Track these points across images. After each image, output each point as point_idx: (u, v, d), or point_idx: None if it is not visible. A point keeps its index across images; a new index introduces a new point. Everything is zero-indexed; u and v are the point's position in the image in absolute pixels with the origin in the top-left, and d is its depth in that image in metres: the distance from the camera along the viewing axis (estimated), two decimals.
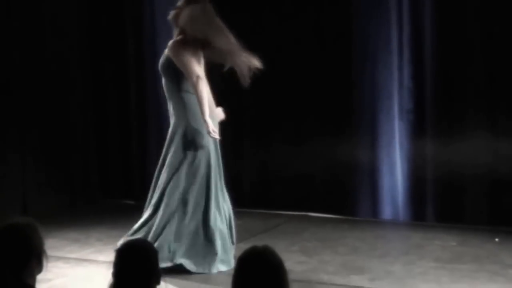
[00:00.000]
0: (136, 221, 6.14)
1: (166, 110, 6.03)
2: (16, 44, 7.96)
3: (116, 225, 7.45)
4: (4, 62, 7.89)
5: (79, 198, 8.51)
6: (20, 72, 7.99)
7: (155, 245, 5.57)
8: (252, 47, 7.90)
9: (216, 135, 5.79)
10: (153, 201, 5.99)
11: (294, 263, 6.19)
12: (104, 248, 6.67)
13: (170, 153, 5.92)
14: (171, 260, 5.79)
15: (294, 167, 7.87)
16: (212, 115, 5.85)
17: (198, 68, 5.77)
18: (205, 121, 5.73)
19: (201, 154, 5.85)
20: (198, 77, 5.72)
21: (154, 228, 5.88)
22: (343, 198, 7.76)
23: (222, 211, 5.96)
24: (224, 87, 7.64)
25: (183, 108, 5.88)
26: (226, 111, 6.07)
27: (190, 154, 5.86)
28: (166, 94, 5.98)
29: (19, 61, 7.99)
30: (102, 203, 8.55)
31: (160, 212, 5.89)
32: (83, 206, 8.39)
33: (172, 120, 6.00)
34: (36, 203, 7.93)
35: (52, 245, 6.39)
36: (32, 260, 3.29)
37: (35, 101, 8.13)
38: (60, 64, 8.37)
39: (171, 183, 5.88)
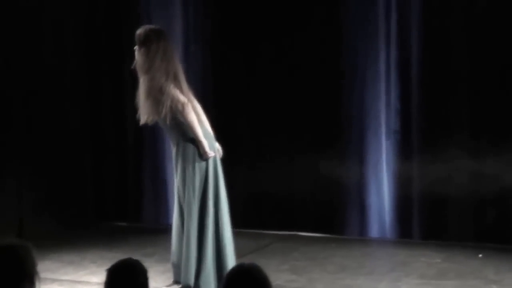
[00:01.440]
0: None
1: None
2: (12, 69, 8.06)
3: (110, 247, 7.52)
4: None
5: (74, 221, 8.51)
6: (17, 95, 8.08)
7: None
8: (241, 67, 8.12)
9: (212, 154, 5.82)
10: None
11: (284, 281, 6.32)
12: (98, 270, 6.72)
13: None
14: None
15: (282, 187, 7.97)
16: (207, 136, 5.90)
17: (181, 96, 5.81)
18: (199, 141, 5.75)
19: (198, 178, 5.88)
20: (182, 104, 5.77)
21: None
22: (331, 217, 7.87)
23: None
24: (214, 108, 7.83)
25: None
26: (215, 130, 6.08)
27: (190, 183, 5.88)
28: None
29: (15, 86, 8.09)
30: (96, 226, 8.59)
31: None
32: (78, 228, 8.39)
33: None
34: (32, 225, 7.96)
35: (47, 267, 6.47)
36: (24, 282, 3.33)
37: (32, 124, 8.18)
38: (57, 87, 8.43)
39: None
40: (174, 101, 5.74)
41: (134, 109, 8.45)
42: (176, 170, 5.91)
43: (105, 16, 8.72)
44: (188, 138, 5.81)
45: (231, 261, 5.87)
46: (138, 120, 5.93)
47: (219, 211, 5.92)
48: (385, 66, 7.70)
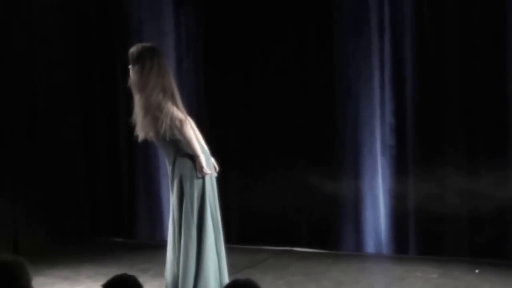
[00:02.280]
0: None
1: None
2: (3, 83, 8.08)
3: (105, 262, 7.54)
4: None
5: (69, 236, 8.55)
6: (9, 110, 8.10)
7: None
8: (235, 83, 8.14)
9: (208, 171, 5.81)
10: None
11: None
12: (94, 285, 6.75)
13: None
14: None
15: (278, 202, 7.98)
16: (204, 152, 5.88)
17: (179, 113, 5.80)
18: (197, 157, 5.73)
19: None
20: (180, 121, 5.76)
21: None
22: (326, 232, 7.88)
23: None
24: (208, 123, 7.84)
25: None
26: (210, 145, 6.10)
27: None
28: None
29: (6, 101, 8.11)
30: (91, 241, 8.61)
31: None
32: (73, 244, 8.43)
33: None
34: (27, 241, 7.99)
35: (42, 283, 6.48)
36: None
37: (25, 139, 8.22)
38: (49, 101, 8.45)
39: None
40: (173, 118, 5.73)
41: (128, 124, 8.47)
42: (172, 187, 5.90)
43: (97, 31, 8.74)
44: (185, 154, 5.81)
45: (225, 277, 5.87)
46: (137, 137, 5.92)
47: (217, 227, 5.90)
48: (379, 82, 7.72)
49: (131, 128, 8.56)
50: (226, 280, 5.81)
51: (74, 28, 8.72)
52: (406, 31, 7.56)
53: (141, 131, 5.86)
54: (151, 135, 5.86)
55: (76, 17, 8.73)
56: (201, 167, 5.76)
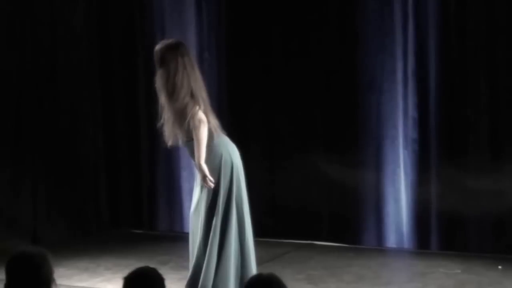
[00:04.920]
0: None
1: None
2: (27, 78, 8.09)
3: (125, 254, 7.53)
4: (14, 98, 8.03)
5: (89, 228, 8.57)
6: (31, 105, 8.12)
7: None
8: (256, 73, 8.11)
9: (212, 184, 5.74)
10: None
11: None
12: (113, 277, 6.75)
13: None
14: None
15: (299, 196, 7.96)
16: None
17: (202, 115, 5.74)
18: (200, 165, 5.69)
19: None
20: (199, 120, 5.72)
21: None
22: (348, 226, 7.84)
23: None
24: (229, 115, 7.81)
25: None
26: (231, 137, 6.01)
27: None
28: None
29: (29, 96, 8.12)
30: (111, 233, 8.61)
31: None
32: (93, 235, 8.45)
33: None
34: (47, 232, 8.01)
35: (62, 274, 6.46)
36: None
37: (46, 133, 8.22)
38: (71, 98, 8.47)
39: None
40: (195, 119, 5.70)
41: (149, 116, 8.52)
42: (199, 183, 5.88)
43: (120, 27, 8.72)
44: (212, 151, 5.76)
45: (253, 271, 5.83)
46: (166, 143, 5.90)
47: (242, 219, 5.88)
48: (402, 76, 7.67)
49: (152, 124, 8.61)
50: (253, 272, 5.78)
51: (95, 17, 8.69)
52: (430, 23, 7.51)
53: (170, 137, 5.85)
54: (180, 141, 5.85)
55: (97, 5, 8.70)
56: (204, 176, 5.70)
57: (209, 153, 5.79)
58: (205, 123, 5.73)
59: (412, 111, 7.65)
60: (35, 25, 8.13)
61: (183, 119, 5.73)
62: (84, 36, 8.55)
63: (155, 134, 8.65)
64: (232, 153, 5.87)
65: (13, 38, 8.01)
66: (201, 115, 5.72)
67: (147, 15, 8.57)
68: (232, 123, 7.23)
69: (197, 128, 5.70)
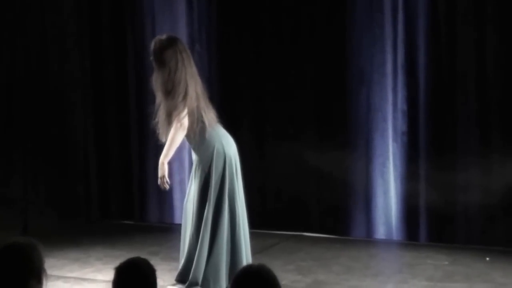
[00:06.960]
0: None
1: None
2: (18, 71, 8.09)
3: (115, 245, 7.55)
4: (6, 90, 8.03)
5: (79, 218, 8.58)
6: (22, 96, 8.12)
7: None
8: (249, 68, 8.11)
9: (167, 186, 5.90)
10: None
11: (290, 282, 6.32)
12: (104, 267, 6.77)
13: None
14: None
15: (289, 187, 7.98)
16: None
17: (186, 119, 5.81)
18: (163, 163, 5.85)
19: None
20: (181, 125, 5.79)
21: None
22: (337, 218, 7.86)
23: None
24: (220, 107, 7.81)
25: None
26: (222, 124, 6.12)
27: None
28: None
29: (19, 88, 8.12)
30: (102, 223, 8.62)
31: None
32: (83, 226, 8.45)
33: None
34: (37, 223, 8.01)
35: (52, 264, 6.47)
36: (32, 279, 3.33)
37: (36, 124, 8.23)
38: (61, 88, 8.46)
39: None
40: (177, 124, 5.79)
41: (139, 107, 8.52)
42: (195, 174, 5.94)
43: (110, 17, 8.70)
44: (204, 143, 5.83)
45: (243, 262, 5.86)
46: (159, 139, 5.99)
47: (235, 211, 5.93)
48: (392, 68, 7.69)
49: (142, 114, 8.62)
50: (247, 261, 5.86)
51: (85, 8, 8.69)
52: (420, 16, 7.52)
53: (164, 134, 5.92)
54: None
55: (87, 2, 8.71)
56: (163, 175, 5.86)
57: (201, 144, 5.84)
58: (184, 130, 5.82)
59: (401, 104, 7.67)
60: (24, 20, 8.12)
61: (171, 120, 5.81)
62: (73, 23, 8.55)
63: (146, 126, 8.68)
64: (225, 144, 5.90)
65: (3, 32, 8.01)
66: (184, 121, 5.79)
67: (137, 5, 8.56)
68: (223, 112, 7.22)
69: (176, 130, 5.79)
